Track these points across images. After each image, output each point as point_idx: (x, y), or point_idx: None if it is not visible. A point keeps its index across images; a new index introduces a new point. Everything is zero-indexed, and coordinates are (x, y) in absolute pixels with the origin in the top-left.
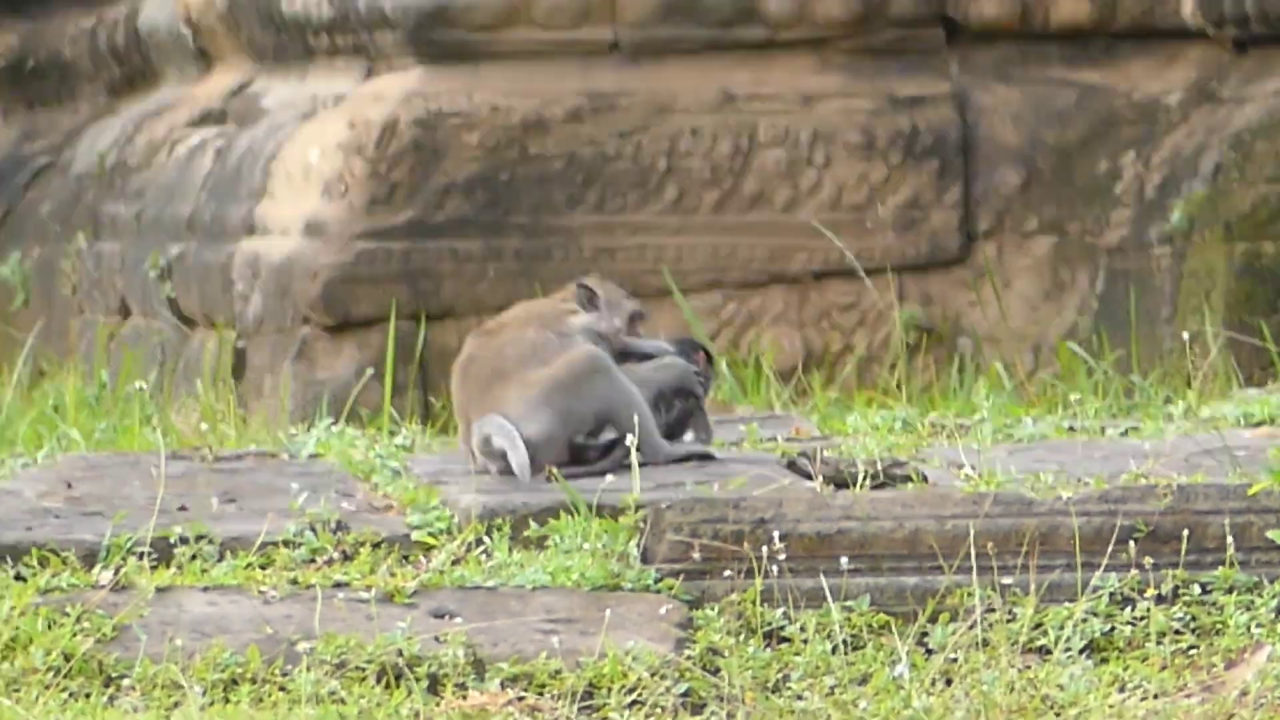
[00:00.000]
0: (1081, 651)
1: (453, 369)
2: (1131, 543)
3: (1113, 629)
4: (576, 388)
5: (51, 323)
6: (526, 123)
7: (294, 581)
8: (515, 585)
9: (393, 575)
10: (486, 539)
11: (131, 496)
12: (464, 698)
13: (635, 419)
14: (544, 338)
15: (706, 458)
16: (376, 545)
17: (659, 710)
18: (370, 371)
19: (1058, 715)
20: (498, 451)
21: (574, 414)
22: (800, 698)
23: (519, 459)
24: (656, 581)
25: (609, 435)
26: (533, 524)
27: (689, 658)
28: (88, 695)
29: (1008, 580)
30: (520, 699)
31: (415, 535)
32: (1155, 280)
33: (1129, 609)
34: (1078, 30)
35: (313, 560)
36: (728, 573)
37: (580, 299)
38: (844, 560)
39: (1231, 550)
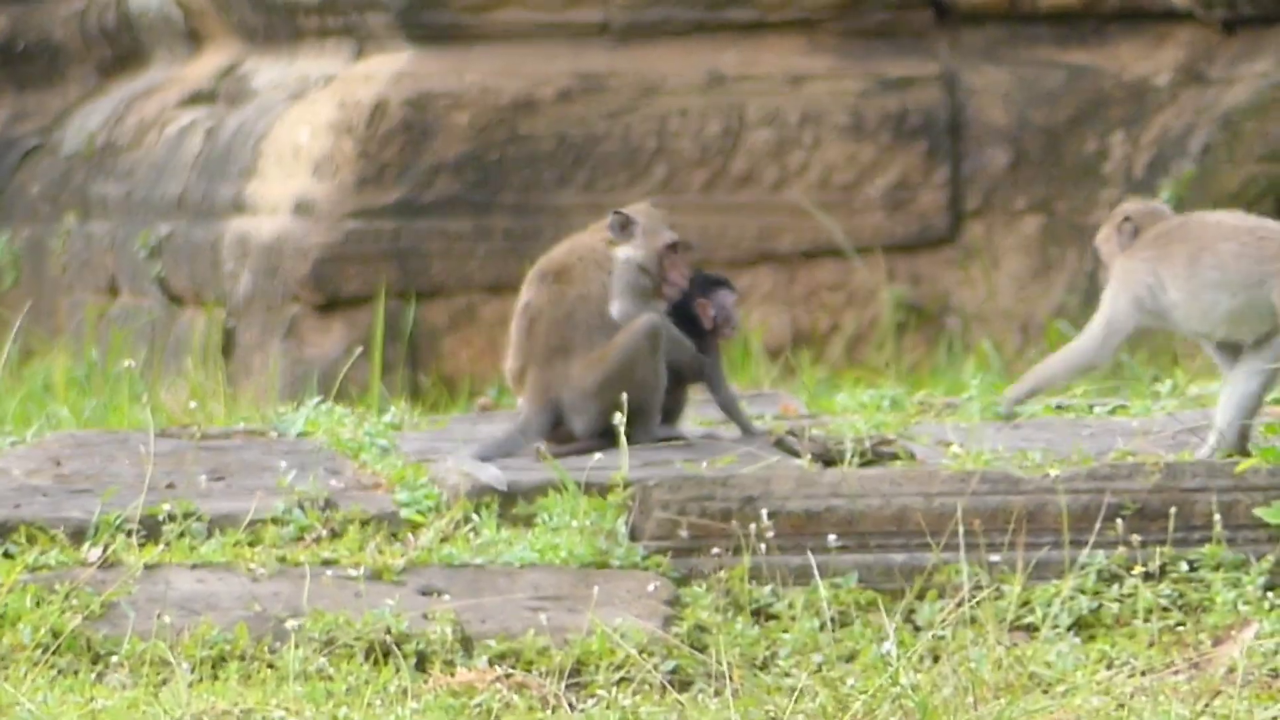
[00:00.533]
0: (1069, 629)
1: (515, 310)
2: (1119, 520)
3: (1100, 606)
4: (630, 373)
5: (41, 302)
6: (516, 103)
7: (282, 559)
8: (503, 563)
9: (381, 553)
10: (475, 517)
11: (120, 474)
12: (452, 675)
13: (644, 401)
14: (605, 292)
15: (685, 443)
16: (365, 523)
17: (646, 687)
18: (359, 350)
19: (1045, 692)
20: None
21: (618, 401)
22: (788, 674)
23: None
24: (644, 559)
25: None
26: (521, 502)
27: (677, 635)
28: (76, 672)
29: (995, 558)
30: (508, 676)
31: (404, 513)
32: None
33: (1116, 586)
34: (1067, 11)
35: (301, 538)
36: (715, 550)
37: (614, 225)
38: (832, 538)
39: (1219, 528)
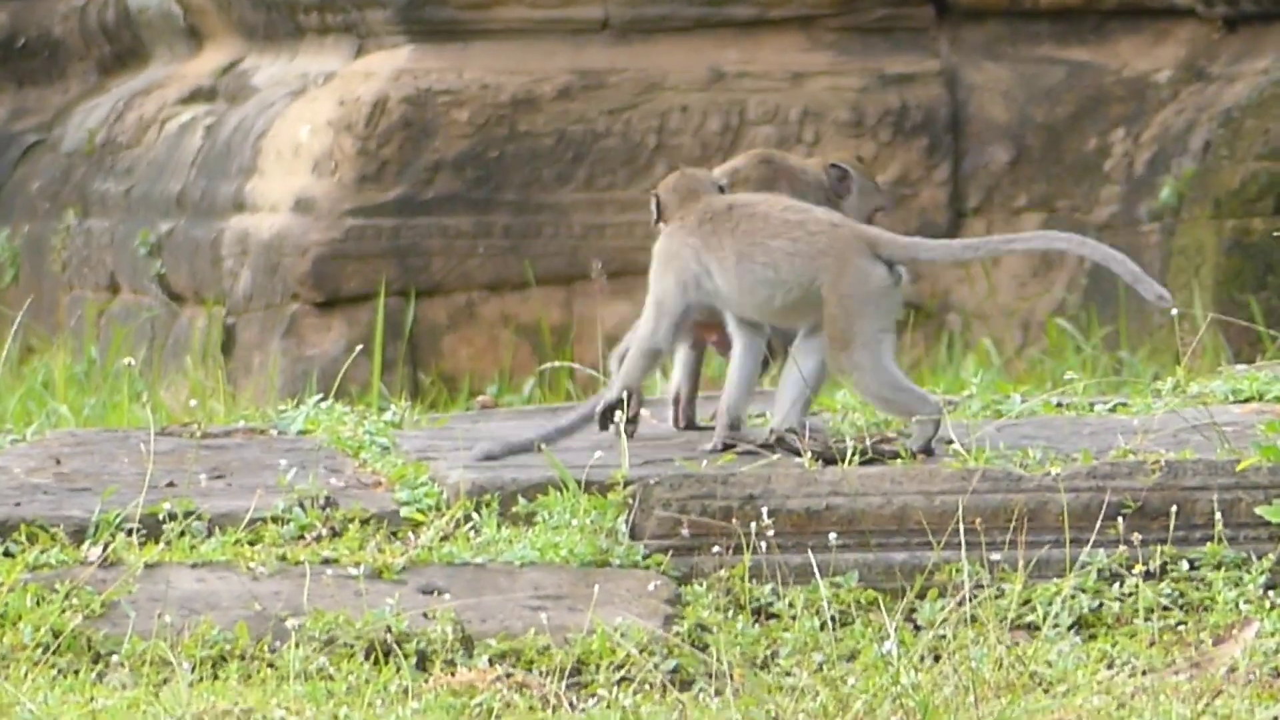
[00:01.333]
0: (1070, 628)
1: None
2: (1120, 519)
3: (1101, 605)
4: None
5: (41, 299)
6: (516, 100)
7: (282, 558)
8: (504, 562)
9: (381, 552)
10: (475, 515)
11: (120, 473)
12: (452, 674)
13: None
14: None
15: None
16: (365, 522)
17: (647, 687)
18: (359, 348)
19: (1046, 691)
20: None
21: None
22: (789, 674)
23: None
24: (645, 558)
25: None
26: (521, 500)
27: (677, 634)
28: (76, 672)
29: (996, 556)
30: (508, 675)
31: (404, 512)
32: (1144, 257)
33: (1117, 585)
34: (1068, 8)
35: (301, 537)
36: (716, 549)
37: (832, 179)
38: (832, 536)
39: (1220, 526)
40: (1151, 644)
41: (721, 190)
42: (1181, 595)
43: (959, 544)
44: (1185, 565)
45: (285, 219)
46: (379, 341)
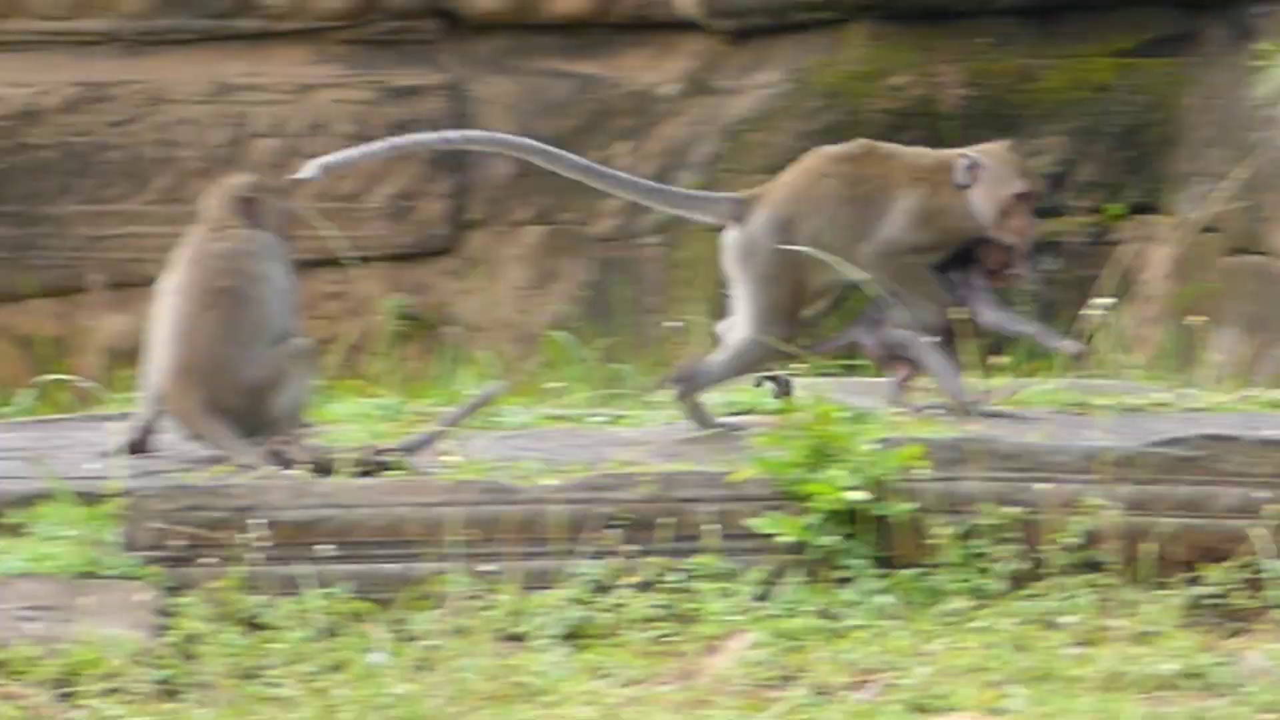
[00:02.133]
0: (561, 639)
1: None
2: (614, 530)
3: (592, 616)
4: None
5: None
6: (22, 112)
7: None
8: None
9: None
10: None
11: None
12: None
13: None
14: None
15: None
16: None
17: (137, 697)
18: None
19: (530, 702)
20: None
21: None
22: (277, 684)
23: None
24: (137, 568)
25: None
26: (12, 512)
27: (167, 644)
28: None
29: (489, 567)
30: None
31: None
32: (643, 270)
33: (609, 596)
34: (575, 21)
35: None
36: (207, 560)
37: (961, 170)
38: (325, 548)
39: (713, 538)
40: (641, 655)
41: None
42: (672, 606)
43: (451, 555)
44: (677, 576)
45: None
46: None
